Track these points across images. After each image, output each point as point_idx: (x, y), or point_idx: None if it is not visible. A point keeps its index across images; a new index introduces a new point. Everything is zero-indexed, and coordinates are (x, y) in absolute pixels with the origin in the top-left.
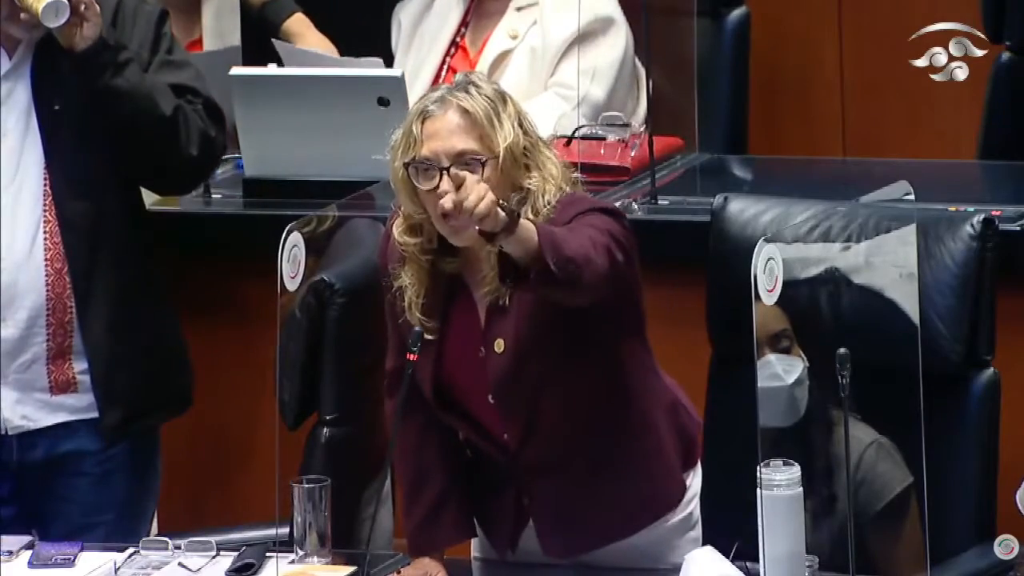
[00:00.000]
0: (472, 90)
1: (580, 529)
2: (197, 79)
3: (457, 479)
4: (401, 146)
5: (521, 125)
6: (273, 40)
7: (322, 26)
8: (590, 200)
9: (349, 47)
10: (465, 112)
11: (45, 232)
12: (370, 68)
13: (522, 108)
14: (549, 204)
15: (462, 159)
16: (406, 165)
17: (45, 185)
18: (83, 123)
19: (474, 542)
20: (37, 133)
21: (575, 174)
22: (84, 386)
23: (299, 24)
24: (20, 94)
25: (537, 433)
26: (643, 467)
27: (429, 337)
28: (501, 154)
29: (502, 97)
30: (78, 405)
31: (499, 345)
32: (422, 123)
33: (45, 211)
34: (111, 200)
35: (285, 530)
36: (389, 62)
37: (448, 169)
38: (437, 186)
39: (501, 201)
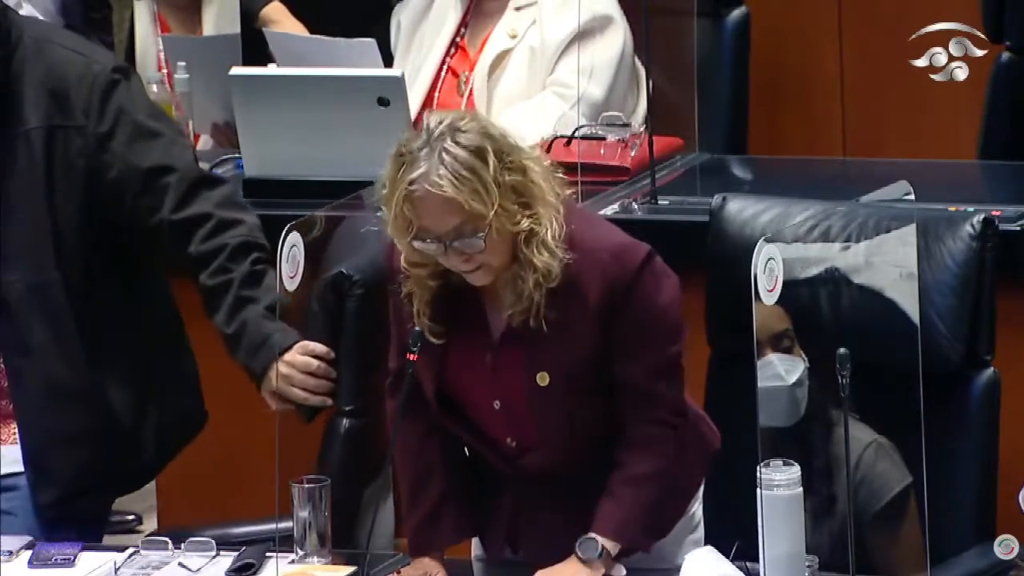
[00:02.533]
0: (446, 157)
1: (573, 543)
2: (172, 147)
3: (458, 480)
4: (398, 224)
5: (506, 169)
6: (264, 30)
7: (318, 19)
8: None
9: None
10: (448, 188)
11: None
12: (369, 67)
13: (502, 143)
14: (558, 241)
15: (462, 235)
16: (411, 241)
17: None
18: (18, 198)
19: (474, 542)
20: None
21: (559, 174)
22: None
23: (276, 12)
24: None
25: (544, 445)
26: None
27: (435, 341)
28: (492, 221)
29: (479, 150)
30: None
31: (543, 379)
32: (412, 204)
33: None
34: (50, 276)
35: (286, 525)
36: (385, 48)
37: (452, 244)
38: (446, 255)
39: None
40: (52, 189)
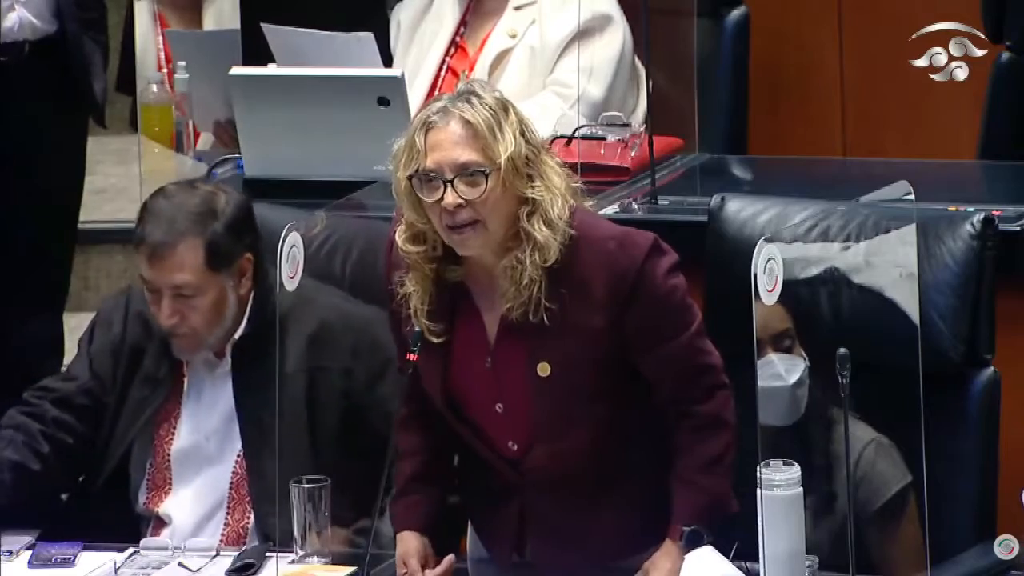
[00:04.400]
0: (474, 100)
1: (579, 549)
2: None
3: (429, 470)
4: (404, 157)
5: (523, 134)
6: (263, 26)
7: (315, 15)
8: (616, 254)
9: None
10: (467, 123)
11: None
12: (367, 61)
13: (524, 116)
14: (561, 219)
15: (465, 171)
16: (410, 177)
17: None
18: (286, 440)
19: (471, 543)
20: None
21: (576, 184)
22: None
23: None
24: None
25: (544, 441)
26: (651, 492)
27: (435, 340)
28: (502, 164)
29: (503, 106)
30: None
31: (544, 368)
32: (425, 134)
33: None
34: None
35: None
36: (384, 43)
37: (452, 181)
38: (441, 198)
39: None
40: (314, 429)
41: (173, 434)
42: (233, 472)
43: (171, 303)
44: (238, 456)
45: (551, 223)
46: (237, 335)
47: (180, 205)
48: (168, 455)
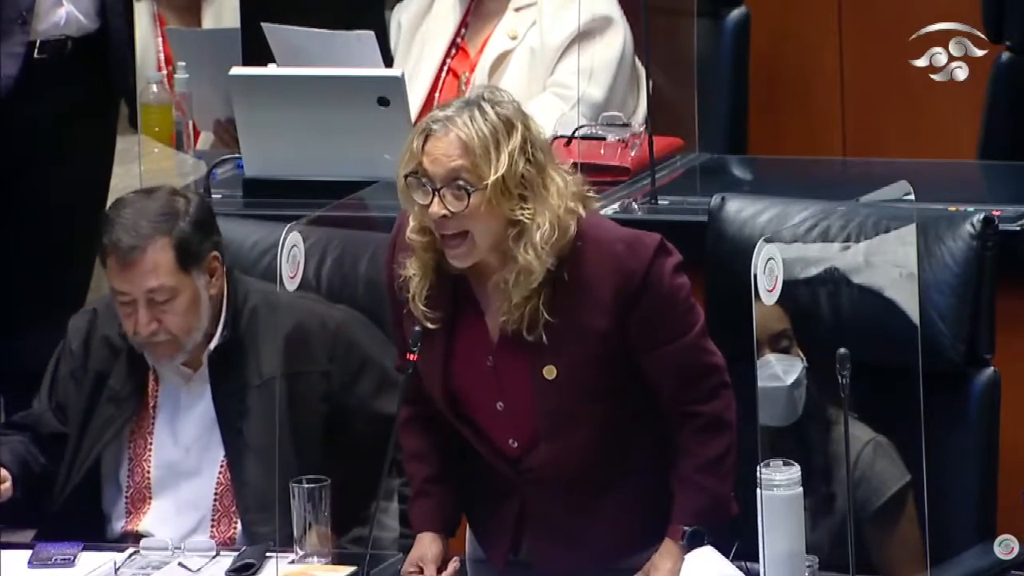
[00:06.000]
0: (477, 114)
1: (578, 548)
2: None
3: (441, 471)
4: (405, 156)
5: (525, 153)
6: (263, 25)
7: (317, 11)
8: (625, 260)
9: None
10: (462, 138)
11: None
12: (368, 60)
13: (535, 134)
14: (544, 239)
15: (455, 183)
16: (405, 176)
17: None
18: (262, 448)
19: (470, 543)
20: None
21: (589, 193)
22: None
23: None
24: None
25: (547, 441)
26: (651, 492)
27: (432, 327)
28: (489, 184)
29: (509, 124)
30: None
31: (550, 371)
32: (424, 140)
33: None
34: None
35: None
36: (384, 43)
37: (440, 191)
38: (430, 203)
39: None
40: (297, 434)
41: (150, 449)
42: (217, 483)
43: (148, 311)
44: (221, 466)
45: (536, 250)
46: (212, 345)
47: (142, 210)
48: (148, 472)
